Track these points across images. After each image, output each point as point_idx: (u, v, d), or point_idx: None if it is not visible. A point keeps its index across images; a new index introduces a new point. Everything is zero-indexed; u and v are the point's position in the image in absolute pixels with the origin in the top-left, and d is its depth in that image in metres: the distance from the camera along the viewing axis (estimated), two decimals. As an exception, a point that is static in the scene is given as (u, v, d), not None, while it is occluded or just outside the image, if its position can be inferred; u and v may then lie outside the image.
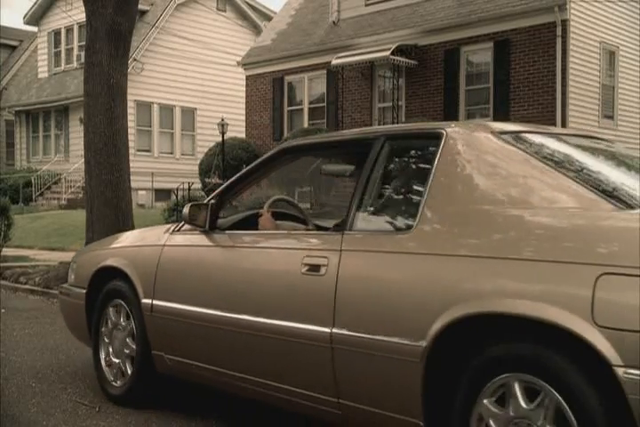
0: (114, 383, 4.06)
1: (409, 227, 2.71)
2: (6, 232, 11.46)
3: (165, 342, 3.76)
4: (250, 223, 3.75)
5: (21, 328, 6.31)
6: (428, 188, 2.71)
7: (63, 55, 24.68)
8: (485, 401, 2.35)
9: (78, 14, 20.06)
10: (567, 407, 2.11)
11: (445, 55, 14.71)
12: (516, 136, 2.86)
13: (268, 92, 18.06)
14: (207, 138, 22.36)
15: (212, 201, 3.67)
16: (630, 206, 2.37)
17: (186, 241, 3.79)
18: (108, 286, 4.15)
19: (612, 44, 14.65)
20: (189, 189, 16.41)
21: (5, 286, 9.31)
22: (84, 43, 10.88)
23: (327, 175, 4.30)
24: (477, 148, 2.76)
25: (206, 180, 17.09)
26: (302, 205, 4.76)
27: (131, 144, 11.92)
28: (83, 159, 9.95)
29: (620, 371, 1.98)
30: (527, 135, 2.95)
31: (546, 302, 2.14)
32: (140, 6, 14.14)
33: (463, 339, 2.42)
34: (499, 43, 13.94)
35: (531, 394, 2.23)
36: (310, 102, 17.38)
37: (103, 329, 4.20)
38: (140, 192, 20.92)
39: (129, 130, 9.47)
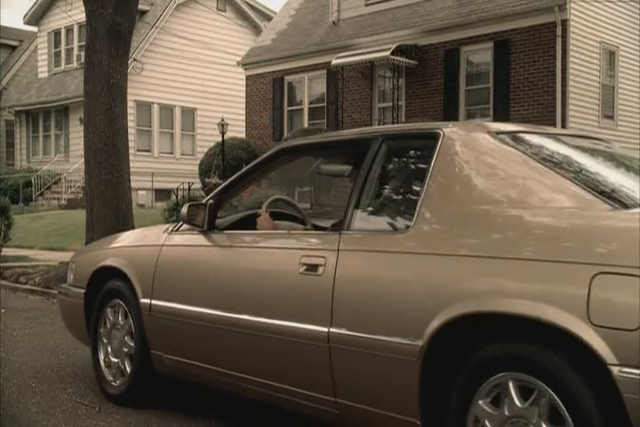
0: (113, 383, 4.06)
1: (406, 227, 2.72)
2: (6, 232, 11.46)
3: (164, 342, 3.77)
4: (248, 223, 3.76)
5: (21, 328, 6.31)
6: (425, 188, 2.72)
7: (63, 55, 24.69)
8: (481, 402, 2.35)
9: (78, 14, 20.07)
10: (563, 406, 2.12)
11: (445, 55, 14.72)
12: (514, 136, 2.88)
13: (268, 92, 18.06)
14: (207, 138, 22.36)
15: (211, 201, 3.68)
16: (626, 206, 2.38)
17: (184, 241, 3.79)
18: (106, 285, 4.15)
19: (611, 44, 14.65)
20: (189, 189, 16.43)
21: (5, 286, 9.31)
22: (83, 43, 10.89)
23: (325, 175, 4.31)
24: (474, 148, 2.77)
25: (206, 180, 17.09)
26: (302, 205, 4.77)
27: (131, 144, 11.93)
28: (83, 159, 9.96)
29: (615, 370, 1.99)
30: (524, 135, 2.96)
31: (544, 301, 2.15)
32: (140, 6, 14.16)
33: (459, 339, 2.42)
34: (499, 43, 13.94)
35: (525, 393, 2.24)
36: (310, 102, 17.38)
37: (102, 329, 4.20)
38: (139, 192, 20.92)
39: (129, 130, 9.48)
